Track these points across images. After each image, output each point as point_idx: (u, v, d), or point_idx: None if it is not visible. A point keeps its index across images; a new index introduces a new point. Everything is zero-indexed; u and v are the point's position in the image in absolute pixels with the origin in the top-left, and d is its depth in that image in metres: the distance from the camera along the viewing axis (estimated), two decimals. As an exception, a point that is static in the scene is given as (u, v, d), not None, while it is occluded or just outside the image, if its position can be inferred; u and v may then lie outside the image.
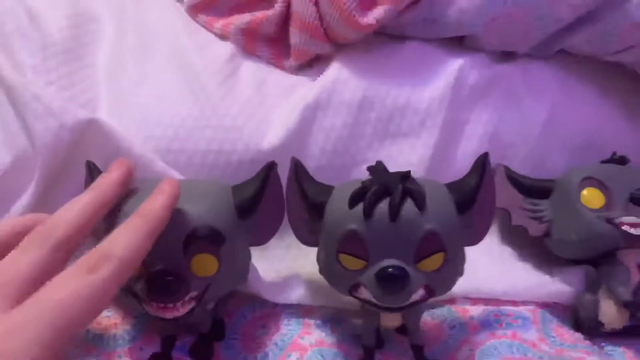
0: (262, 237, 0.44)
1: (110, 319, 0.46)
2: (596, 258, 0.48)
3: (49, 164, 0.44)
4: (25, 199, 0.45)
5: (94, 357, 0.43)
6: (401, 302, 0.38)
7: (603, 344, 0.46)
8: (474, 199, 0.41)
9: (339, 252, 0.39)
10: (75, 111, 0.45)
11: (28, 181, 0.45)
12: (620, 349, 0.46)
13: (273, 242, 0.45)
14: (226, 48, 0.54)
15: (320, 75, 0.53)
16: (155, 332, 0.45)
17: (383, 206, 0.37)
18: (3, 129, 0.46)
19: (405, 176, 0.38)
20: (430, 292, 0.39)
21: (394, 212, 0.37)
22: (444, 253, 0.38)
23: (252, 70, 0.53)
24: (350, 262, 0.38)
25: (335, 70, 0.51)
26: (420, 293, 0.38)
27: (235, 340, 0.46)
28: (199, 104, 0.50)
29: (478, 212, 0.41)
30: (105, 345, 0.44)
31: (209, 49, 0.53)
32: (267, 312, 0.48)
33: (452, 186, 0.41)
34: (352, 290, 0.39)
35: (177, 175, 0.47)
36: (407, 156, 0.50)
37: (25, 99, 0.45)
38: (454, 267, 0.40)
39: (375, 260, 0.38)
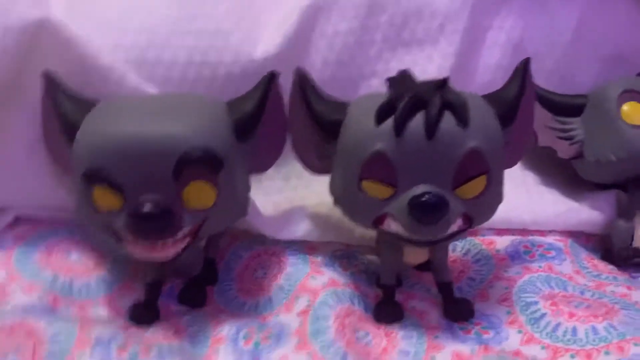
0: (262, 163, 0.39)
1: (81, 265, 0.40)
2: (630, 181, 0.44)
3: (-7, 80, 0.36)
4: None
5: (62, 308, 0.37)
6: (438, 235, 0.32)
7: (634, 274, 0.43)
8: (516, 110, 0.36)
9: (362, 178, 0.33)
10: (22, 11, 0.36)
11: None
12: None
13: (269, 172, 0.40)
14: None
15: None
16: (137, 278, 0.40)
17: (417, 122, 0.31)
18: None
19: (442, 84, 0.32)
20: (469, 221, 0.34)
21: (432, 128, 0.31)
22: (488, 175, 0.32)
23: None
24: (376, 190, 0.33)
25: None
26: (458, 223, 0.33)
27: (231, 284, 0.41)
28: (176, 3, 0.42)
29: (520, 125, 0.36)
30: (77, 293, 0.38)
31: None
32: (265, 249, 0.43)
33: (490, 97, 0.36)
34: (377, 222, 0.34)
35: (155, 91, 0.39)
36: (423, 67, 0.45)
37: None
38: (496, 191, 0.35)
39: (406, 186, 0.32)
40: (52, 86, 0.36)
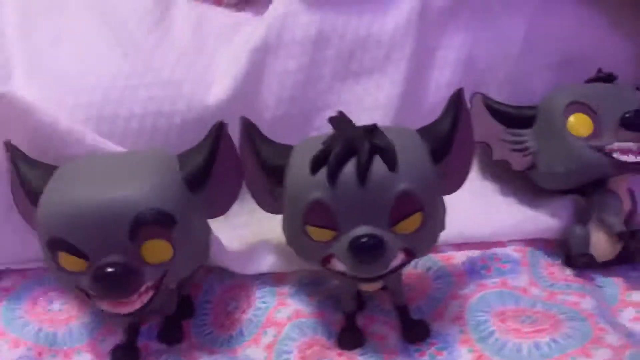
0: (219, 208, 0.41)
1: (64, 313, 0.43)
2: (584, 188, 0.46)
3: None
4: None
5: (50, 357, 0.40)
6: (379, 272, 0.35)
7: (593, 276, 0.45)
8: (450, 144, 0.37)
9: (305, 223, 0.35)
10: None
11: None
12: (613, 280, 0.45)
13: (234, 207, 0.42)
14: None
15: (266, 11, 0.47)
16: (117, 322, 0.42)
17: (349, 168, 0.33)
18: None
19: (371, 129, 0.34)
20: (411, 254, 0.36)
21: (362, 175, 0.33)
22: (422, 212, 0.34)
23: (185, 10, 0.48)
24: (319, 234, 0.35)
25: (283, 4, 0.46)
26: (400, 258, 0.35)
27: (206, 317, 0.44)
28: (128, 59, 0.45)
29: (455, 157, 0.38)
30: (61, 342, 0.42)
31: None
32: (237, 282, 0.45)
33: (424, 132, 0.37)
34: (325, 262, 0.36)
35: (113, 147, 0.42)
36: (373, 96, 0.47)
37: None
38: (434, 223, 0.36)
39: (346, 229, 0.34)
40: (14, 156, 0.39)
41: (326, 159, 0.33)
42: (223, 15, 0.48)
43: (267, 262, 0.44)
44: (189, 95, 0.44)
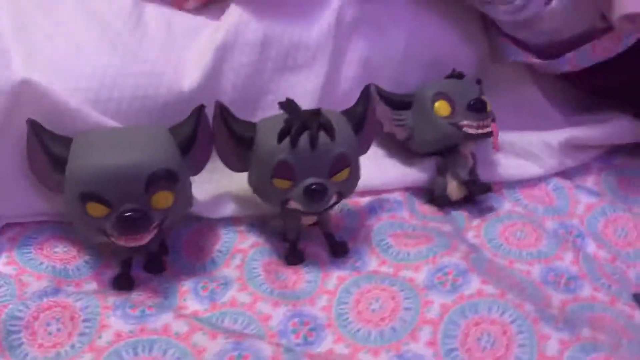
0: (198, 167, 0.53)
1: (68, 254, 0.53)
2: (443, 151, 0.64)
3: (-11, 129, 0.47)
4: None
5: (66, 286, 0.50)
6: (323, 208, 0.51)
7: (450, 210, 0.64)
8: (363, 122, 0.54)
9: (272, 177, 0.50)
10: (7, 75, 0.47)
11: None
12: (461, 212, 0.64)
13: None
14: None
15: (222, 17, 0.59)
16: (111, 258, 0.53)
17: (304, 138, 0.48)
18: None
19: (317, 112, 0.50)
20: (341, 196, 0.52)
21: (314, 142, 0.48)
22: (349, 167, 0.51)
23: (156, 14, 0.58)
24: (282, 184, 0.50)
25: (236, 13, 0.58)
26: (334, 198, 0.51)
27: (181, 253, 0.56)
28: (117, 53, 0.54)
29: (366, 131, 0.54)
30: (72, 275, 0.51)
31: None
32: (201, 226, 0.57)
33: (347, 113, 0.53)
34: (284, 203, 0.51)
35: (113, 124, 0.52)
36: (303, 85, 0.60)
37: None
38: (356, 175, 0.53)
39: (300, 179, 0.49)
40: (36, 130, 0.48)
41: (288, 132, 0.48)
42: (186, 18, 0.58)
43: (228, 208, 0.56)
44: (168, 83, 0.54)
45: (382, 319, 0.49)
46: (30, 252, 0.52)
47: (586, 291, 0.54)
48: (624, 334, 0.48)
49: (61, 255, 0.52)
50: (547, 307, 0.50)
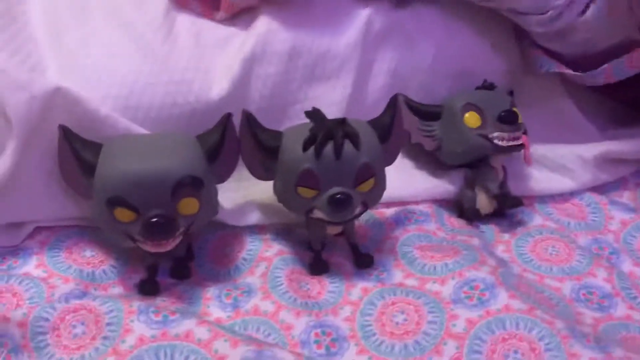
0: (224, 176, 0.53)
1: (96, 258, 0.53)
2: (473, 163, 0.63)
3: (23, 134, 0.48)
4: (1, 167, 0.49)
5: (93, 290, 0.51)
6: (347, 217, 0.51)
7: (478, 224, 0.63)
8: (390, 132, 0.53)
9: (297, 185, 0.50)
10: (42, 81, 0.48)
11: (4, 151, 0.49)
12: (491, 226, 0.62)
13: None
14: (161, 2, 0.58)
15: (250, 27, 0.60)
16: (138, 263, 0.53)
17: (329, 148, 0.48)
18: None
19: (343, 121, 0.49)
20: (366, 206, 0.52)
21: (338, 152, 0.48)
22: (375, 177, 0.51)
23: (187, 24, 0.59)
24: (307, 192, 0.50)
25: (265, 24, 0.59)
26: (359, 208, 0.51)
27: (206, 259, 0.56)
28: (147, 62, 0.55)
29: (393, 141, 0.54)
30: (99, 279, 0.52)
31: (145, 4, 0.57)
32: (227, 233, 0.58)
33: (373, 123, 0.53)
34: (308, 212, 0.51)
35: (141, 131, 0.53)
36: (331, 95, 0.60)
37: None
38: (381, 185, 0.53)
39: (325, 188, 0.49)
40: (67, 136, 0.49)
41: (313, 141, 0.48)
42: (216, 29, 0.59)
43: (253, 217, 0.57)
44: (197, 92, 0.55)
45: (406, 332, 0.48)
46: (59, 256, 0.53)
47: (620, 310, 0.52)
48: (660, 356, 0.46)
49: (89, 259, 0.53)
50: (578, 324, 0.49)
